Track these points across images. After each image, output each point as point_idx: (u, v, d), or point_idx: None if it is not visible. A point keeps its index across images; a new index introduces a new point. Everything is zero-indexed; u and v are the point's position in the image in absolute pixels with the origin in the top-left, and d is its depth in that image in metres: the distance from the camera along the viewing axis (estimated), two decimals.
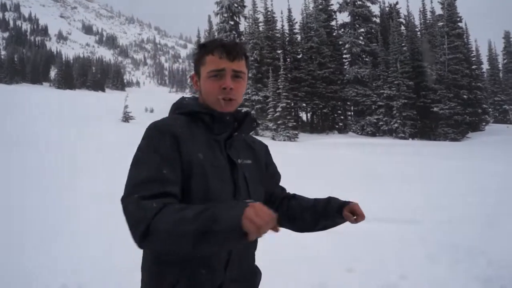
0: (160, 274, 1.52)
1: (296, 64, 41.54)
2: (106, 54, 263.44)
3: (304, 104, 41.59)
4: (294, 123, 35.32)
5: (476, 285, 3.95)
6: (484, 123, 40.54)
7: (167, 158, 1.46)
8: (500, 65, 62.24)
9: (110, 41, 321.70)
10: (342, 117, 43.35)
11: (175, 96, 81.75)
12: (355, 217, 1.71)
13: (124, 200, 1.39)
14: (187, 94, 78.28)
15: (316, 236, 6.26)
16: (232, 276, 1.57)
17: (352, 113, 43.76)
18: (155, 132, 1.51)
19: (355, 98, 40.63)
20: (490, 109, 48.45)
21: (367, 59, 43.40)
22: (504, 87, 57.08)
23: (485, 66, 57.55)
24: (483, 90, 42.12)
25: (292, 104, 39.00)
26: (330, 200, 1.80)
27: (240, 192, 1.58)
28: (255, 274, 1.77)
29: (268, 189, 1.82)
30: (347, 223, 1.78)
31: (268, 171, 1.85)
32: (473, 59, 45.13)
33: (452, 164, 13.54)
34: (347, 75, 42.15)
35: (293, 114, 39.49)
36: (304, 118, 44.22)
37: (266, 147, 1.93)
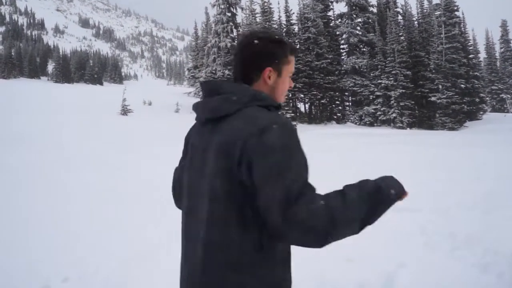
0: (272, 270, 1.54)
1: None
2: (104, 48, 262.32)
3: (302, 95, 41.53)
4: (292, 114, 35.33)
5: (473, 272, 3.99)
6: (481, 112, 40.61)
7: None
8: (497, 54, 62.15)
9: (107, 34, 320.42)
10: (340, 108, 43.32)
11: (173, 89, 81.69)
12: None
13: (288, 207, 1.34)
14: (185, 86, 78.15)
15: None
16: None
17: (350, 103, 43.76)
18: (292, 130, 1.48)
19: (353, 88, 40.62)
20: (487, 98, 48.48)
21: (364, 49, 43.34)
22: (501, 76, 57.07)
23: (482, 55, 57.55)
24: (480, 79, 42.16)
25: (290, 95, 38.94)
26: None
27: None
28: None
29: None
30: None
31: None
32: (470, 48, 45.12)
33: (448, 153, 13.59)
34: (344, 66, 42.12)
35: (291, 105, 39.46)
36: (302, 109, 44.20)
37: None
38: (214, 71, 39.73)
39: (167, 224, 5.24)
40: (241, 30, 41.78)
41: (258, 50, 1.60)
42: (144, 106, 35.66)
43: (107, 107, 30.07)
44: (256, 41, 1.60)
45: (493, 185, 7.82)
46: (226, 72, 39.48)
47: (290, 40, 1.63)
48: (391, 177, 1.54)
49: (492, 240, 4.71)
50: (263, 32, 1.67)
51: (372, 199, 1.43)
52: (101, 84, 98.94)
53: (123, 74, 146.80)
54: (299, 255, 4.93)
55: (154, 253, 4.85)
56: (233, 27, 42.04)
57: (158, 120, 27.07)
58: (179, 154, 1.78)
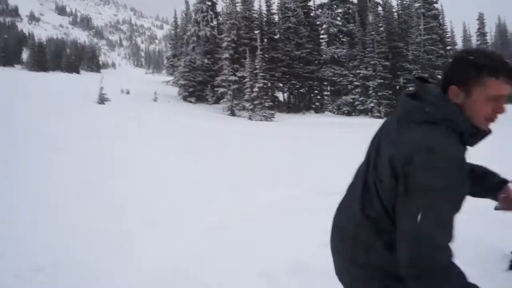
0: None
1: (273, 45, 41.33)
2: (81, 36, 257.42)
3: (281, 84, 41.55)
4: (271, 103, 35.31)
5: None
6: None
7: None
8: (473, 46, 62.94)
9: (85, 22, 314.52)
10: (318, 97, 43.44)
11: (152, 78, 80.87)
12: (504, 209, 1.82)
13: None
14: (164, 75, 77.36)
15: (291, 212, 6.27)
16: None
17: (328, 93, 43.91)
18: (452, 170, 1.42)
19: (332, 78, 40.78)
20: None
21: (344, 40, 43.47)
22: None
23: (460, 47, 58.13)
24: None
25: (269, 84, 38.88)
26: (488, 174, 1.87)
27: None
28: None
29: None
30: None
31: None
32: (448, 40, 45.68)
33: None
34: (324, 56, 42.19)
35: (269, 94, 39.42)
36: (281, 98, 44.21)
37: None
38: (193, 60, 39.39)
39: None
40: (221, 19, 41.47)
41: (449, 68, 1.58)
42: (121, 95, 35.17)
43: (84, 96, 29.57)
44: (451, 58, 1.60)
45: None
46: (205, 61, 39.20)
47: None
48: None
49: (460, 226, 4.75)
50: (464, 49, 1.61)
51: None
52: (78, 72, 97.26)
53: (100, 62, 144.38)
54: (273, 240, 4.93)
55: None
56: (213, 16, 41.70)
57: (134, 109, 26.77)
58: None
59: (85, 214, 5.68)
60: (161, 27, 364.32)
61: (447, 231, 1.41)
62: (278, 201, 6.85)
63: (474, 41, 63.32)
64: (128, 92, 37.15)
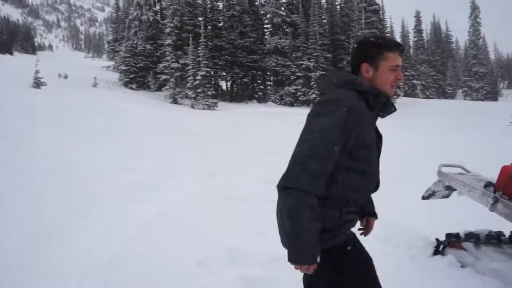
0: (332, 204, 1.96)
1: (217, 32, 41.02)
2: (13, 14, 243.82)
3: (224, 73, 41.41)
4: (214, 92, 35.05)
5: (375, 241, 4.22)
6: (395, 96, 42.58)
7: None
8: (411, 42, 65.39)
9: None
10: (261, 87, 43.62)
11: (92, 62, 78.31)
12: (362, 231, 2.43)
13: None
14: (104, 60, 75.10)
15: (233, 201, 6.28)
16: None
17: (271, 83, 44.21)
18: (340, 112, 1.87)
19: (275, 68, 41.04)
20: (401, 83, 50.85)
21: (287, 30, 43.79)
22: (413, 63, 60.04)
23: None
24: None
25: (212, 73, 38.60)
26: (367, 205, 2.37)
27: (378, 157, 2.13)
28: None
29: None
30: None
31: None
32: (388, 35, 46.91)
33: None
34: (267, 45, 42.34)
35: (212, 82, 39.18)
36: (224, 87, 44.07)
37: None
38: (135, 45, 38.40)
39: None
40: (164, 3, 40.63)
41: (355, 51, 2.08)
42: (59, 80, 33.77)
43: (17, 79, 28.16)
44: (355, 45, 2.09)
45: (398, 162, 8.27)
46: (148, 46, 38.34)
47: (389, 38, 2.16)
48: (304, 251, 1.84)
49: (392, 215, 4.99)
50: (364, 36, 2.10)
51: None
52: (11, 53, 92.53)
53: (36, 44, 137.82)
54: (213, 228, 4.93)
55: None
56: (156, 0, 40.78)
57: (71, 94, 25.79)
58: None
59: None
60: (102, 9, 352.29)
61: (318, 162, 1.79)
62: (220, 190, 6.89)
63: (412, 37, 65.69)
64: (66, 77, 35.72)
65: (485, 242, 3.86)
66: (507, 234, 3.86)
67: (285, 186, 1.81)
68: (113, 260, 4.01)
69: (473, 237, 3.91)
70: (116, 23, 52.75)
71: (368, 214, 2.39)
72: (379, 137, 2.15)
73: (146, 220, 5.24)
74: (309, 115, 1.95)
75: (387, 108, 2.08)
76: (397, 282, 3.61)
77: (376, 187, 2.19)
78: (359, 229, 2.39)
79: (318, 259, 1.86)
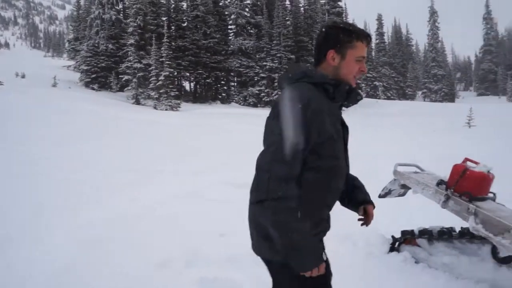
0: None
1: (180, 33, 40.78)
2: None
3: (188, 74, 41.19)
4: (177, 93, 34.85)
5: (334, 240, 4.29)
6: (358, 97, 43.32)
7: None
8: (373, 45, 66.68)
9: None
10: (225, 88, 43.67)
11: (52, 61, 76.26)
12: (362, 221, 2.27)
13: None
14: (65, 59, 73.33)
15: (198, 203, 6.27)
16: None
17: (235, 84, 44.26)
18: (297, 108, 1.77)
19: (239, 69, 41.13)
20: (363, 85, 51.86)
21: (251, 31, 43.96)
22: (375, 65, 61.33)
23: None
24: None
25: (175, 73, 38.36)
26: (356, 190, 2.25)
27: (346, 149, 2.04)
28: None
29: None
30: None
31: None
32: None
33: None
34: (231, 46, 42.37)
35: (176, 83, 38.92)
36: (188, 87, 43.84)
37: None
38: (96, 45, 37.76)
39: None
40: (127, 2, 40.08)
41: (323, 36, 1.95)
42: (16, 79, 32.88)
43: None
44: (323, 29, 1.97)
45: (357, 165, 8.43)
46: (110, 46, 37.76)
47: (361, 28, 2.01)
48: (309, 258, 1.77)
49: (351, 214, 5.09)
50: (334, 21, 2.00)
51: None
52: None
53: None
54: (176, 230, 4.91)
55: None
56: None
57: (28, 94, 25.11)
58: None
59: None
60: (63, 7, 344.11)
61: (283, 165, 1.71)
62: (184, 191, 6.85)
63: (374, 40, 66.99)
64: (23, 76, 34.82)
65: (437, 238, 4.01)
66: (458, 230, 4.02)
67: (258, 201, 1.73)
68: (68, 266, 3.93)
69: (427, 234, 4.06)
70: (77, 22, 51.71)
71: (363, 202, 2.23)
72: (345, 128, 2.02)
73: (104, 224, 5.16)
74: (268, 118, 1.86)
75: (352, 97, 1.96)
76: (354, 279, 3.72)
77: (343, 184, 2.05)
78: (359, 219, 2.27)
79: (325, 257, 1.84)
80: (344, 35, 1.90)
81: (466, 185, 3.58)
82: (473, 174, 3.57)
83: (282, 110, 1.78)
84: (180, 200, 6.36)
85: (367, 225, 2.28)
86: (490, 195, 3.73)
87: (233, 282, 3.64)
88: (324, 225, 2.00)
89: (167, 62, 32.92)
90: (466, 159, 3.69)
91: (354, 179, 2.28)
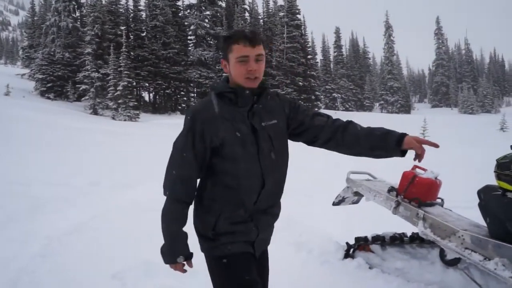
0: (208, 207, 2.09)
1: (139, 42, 40.39)
2: None
3: (147, 84, 40.78)
4: (136, 103, 34.37)
5: (290, 248, 4.49)
6: (316, 109, 43.94)
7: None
8: (331, 57, 68.05)
9: None
10: (185, 98, 43.40)
11: (4, 69, 73.77)
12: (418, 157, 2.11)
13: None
14: (19, 67, 71.09)
15: (150, 213, 6.19)
16: (261, 208, 2.10)
17: (195, 94, 44.09)
18: (186, 118, 2.05)
19: (199, 80, 40.99)
20: (322, 96, 52.70)
21: (211, 42, 43.94)
22: (333, 77, 62.57)
23: (319, 57, 62.44)
24: (316, 78, 45.58)
25: (134, 83, 37.89)
26: (388, 133, 2.15)
27: (263, 151, 2.03)
28: (278, 206, 2.27)
29: (305, 129, 2.25)
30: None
31: (294, 118, 2.23)
32: (309, 49, 48.56)
33: None
34: (191, 57, 42.24)
35: (135, 93, 38.43)
36: (147, 98, 43.37)
37: (288, 102, 2.28)
38: (52, 53, 36.86)
39: None
40: (84, 10, 39.41)
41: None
42: None
43: None
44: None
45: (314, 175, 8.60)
46: (67, 54, 36.95)
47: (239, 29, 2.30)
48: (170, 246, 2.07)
49: (307, 223, 5.29)
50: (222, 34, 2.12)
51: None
52: None
53: None
54: (130, 241, 4.81)
55: None
56: (75, 6, 39.47)
57: None
58: None
59: None
60: (16, 13, 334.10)
61: (174, 170, 2.02)
62: (137, 202, 6.75)
63: (332, 52, 68.31)
64: None
65: (390, 243, 4.13)
66: (409, 235, 4.15)
67: (164, 194, 2.07)
68: (17, 279, 3.82)
69: (379, 239, 4.17)
70: (31, 29, 50.36)
71: (398, 143, 2.09)
72: (253, 131, 2.03)
73: (57, 235, 5.02)
74: None
75: (262, 98, 2.10)
76: (309, 286, 3.77)
77: (263, 184, 2.06)
78: (414, 159, 2.13)
79: (181, 260, 2.06)
80: (224, 42, 2.06)
81: (415, 191, 3.71)
82: (421, 181, 3.71)
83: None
84: (132, 210, 6.27)
85: (419, 160, 2.11)
86: (438, 200, 3.89)
87: None
88: (241, 226, 2.08)
89: (126, 72, 32.43)
90: (415, 166, 3.81)
91: (371, 131, 2.18)
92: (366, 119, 35.65)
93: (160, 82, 39.52)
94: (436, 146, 2.10)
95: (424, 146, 2.09)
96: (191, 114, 2.00)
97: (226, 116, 1.99)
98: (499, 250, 3.15)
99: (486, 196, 3.41)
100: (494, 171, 3.36)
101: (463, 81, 76.92)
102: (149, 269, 4.02)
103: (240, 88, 2.01)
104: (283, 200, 2.29)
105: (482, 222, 3.47)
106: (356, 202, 4.52)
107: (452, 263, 3.69)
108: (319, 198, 6.44)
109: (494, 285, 3.34)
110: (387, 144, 2.11)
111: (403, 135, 2.10)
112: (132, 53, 37.66)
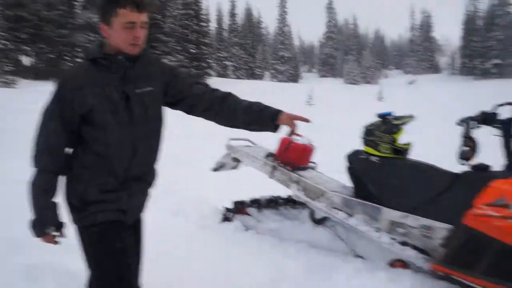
0: (78, 176, 2.03)
1: (17, 1, 37.08)
2: None
3: (28, 48, 37.78)
4: (13, 68, 31.73)
5: (167, 215, 4.58)
6: (207, 76, 43.71)
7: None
8: (225, 26, 67.94)
9: None
10: (70, 64, 40.89)
11: None
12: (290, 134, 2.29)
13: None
14: None
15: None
16: (132, 175, 2.07)
17: (81, 59, 41.71)
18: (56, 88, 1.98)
19: (86, 45, 38.79)
20: (214, 64, 52.55)
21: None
22: (227, 45, 62.54)
23: (213, 25, 62.00)
24: (209, 46, 45.25)
25: (11, 47, 34.86)
26: (264, 109, 2.24)
27: (135, 119, 2.01)
28: (153, 174, 2.27)
29: (183, 97, 2.23)
30: None
31: (173, 85, 2.20)
32: (203, 16, 47.84)
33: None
34: (78, 20, 39.76)
35: (11, 57, 35.41)
36: (28, 63, 40.28)
37: (168, 69, 2.23)
38: None
39: None
40: None
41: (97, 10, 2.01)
42: None
43: None
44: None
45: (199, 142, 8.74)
46: None
47: None
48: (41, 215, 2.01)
49: (185, 189, 5.49)
50: None
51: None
52: None
53: None
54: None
55: None
56: None
57: None
58: None
59: None
60: None
61: (41, 138, 1.96)
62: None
63: (226, 21, 68.12)
64: None
65: (265, 206, 4.33)
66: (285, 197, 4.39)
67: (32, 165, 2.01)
68: None
69: (256, 203, 4.37)
70: None
71: (273, 119, 2.24)
72: (126, 98, 1.99)
73: None
74: None
75: (138, 64, 2.04)
76: (188, 250, 3.84)
77: (135, 152, 2.06)
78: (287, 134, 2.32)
79: (51, 231, 2.01)
80: (108, 5, 1.94)
81: (290, 156, 3.91)
82: (296, 146, 3.90)
83: None
84: None
85: (291, 135, 2.31)
86: (311, 164, 4.14)
87: (64, 265, 3.46)
88: (111, 195, 2.05)
89: (1, 34, 29.71)
90: (292, 132, 4.01)
91: (248, 106, 2.27)
92: (255, 87, 36.34)
93: (42, 46, 36.80)
94: (307, 121, 2.29)
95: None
96: (60, 81, 1.97)
97: (98, 83, 1.94)
98: (362, 208, 3.48)
99: (353, 160, 3.72)
100: (361, 137, 3.67)
101: (349, 54, 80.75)
102: (17, 246, 3.71)
103: (114, 55, 1.97)
104: (162, 168, 2.29)
105: (350, 184, 3.80)
106: (235, 167, 4.64)
107: (321, 222, 3.97)
108: (198, 166, 6.50)
109: (354, 239, 3.67)
110: (263, 119, 2.24)
111: (278, 111, 2.24)
112: (9, 12, 34.50)
